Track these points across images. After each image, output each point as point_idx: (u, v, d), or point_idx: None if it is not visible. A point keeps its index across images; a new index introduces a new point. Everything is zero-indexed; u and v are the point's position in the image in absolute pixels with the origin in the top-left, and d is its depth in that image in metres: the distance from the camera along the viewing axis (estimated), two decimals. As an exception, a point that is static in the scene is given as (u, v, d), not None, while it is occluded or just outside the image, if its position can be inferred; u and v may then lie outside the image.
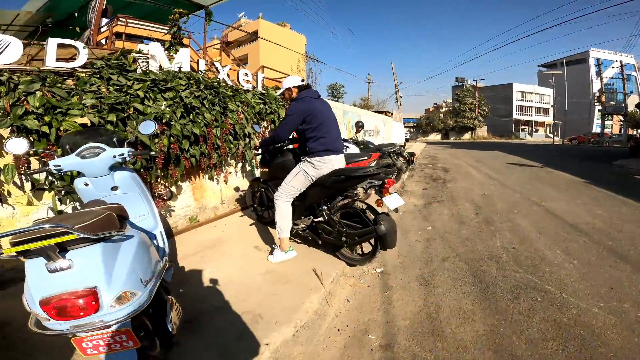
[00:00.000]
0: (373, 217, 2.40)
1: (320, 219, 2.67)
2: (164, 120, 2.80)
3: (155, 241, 2.34)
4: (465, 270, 2.74)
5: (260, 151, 3.31)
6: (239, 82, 4.24)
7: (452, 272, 2.72)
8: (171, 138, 2.94)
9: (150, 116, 2.70)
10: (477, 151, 17.65)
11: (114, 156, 1.87)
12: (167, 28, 4.97)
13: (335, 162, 2.57)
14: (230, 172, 4.17)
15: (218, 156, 3.60)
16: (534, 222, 4.09)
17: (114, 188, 2.02)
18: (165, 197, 3.25)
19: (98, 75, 2.61)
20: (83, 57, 2.71)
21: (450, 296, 2.37)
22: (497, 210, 4.72)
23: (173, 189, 3.40)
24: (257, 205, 3.68)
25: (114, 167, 1.98)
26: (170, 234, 3.37)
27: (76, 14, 6.51)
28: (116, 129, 2.48)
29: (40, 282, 1.12)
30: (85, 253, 1.18)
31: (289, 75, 3.31)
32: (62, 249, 1.13)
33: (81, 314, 1.13)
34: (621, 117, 32.43)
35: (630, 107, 26.62)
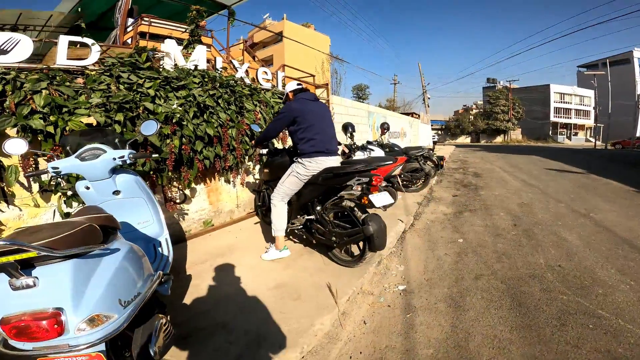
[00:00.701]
0: (362, 217, 2.31)
1: (313, 217, 2.65)
2: (174, 120, 2.68)
3: (160, 248, 2.21)
4: (502, 290, 2.40)
5: (263, 151, 3.30)
6: (258, 81, 4.09)
7: (487, 292, 2.39)
8: (183, 139, 2.81)
9: (161, 116, 2.58)
10: (511, 155, 16.65)
11: (114, 158, 1.74)
12: (187, 31, 4.95)
13: (328, 163, 2.55)
14: (247, 175, 4.03)
15: (234, 158, 3.46)
16: (582, 236, 3.61)
17: (116, 192, 1.90)
18: (178, 200, 3.14)
19: (108, 73, 2.52)
20: (95, 54, 2.65)
21: (483, 321, 2.05)
22: (538, 222, 4.23)
23: (187, 191, 3.29)
24: (261, 204, 3.63)
25: (115, 170, 1.86)
26: (182, 238, 3.26)
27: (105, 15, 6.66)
28: (124, 129, 2.38)
29: (3, 300, 0.99)
30: (52, 271, 1.02)
31: (310, 74, 3.13)
32: (29, 265, 1.00)
33: (44, 335, 1.00)
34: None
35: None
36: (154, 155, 1.97)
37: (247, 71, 3.91)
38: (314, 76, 5.99)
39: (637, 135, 34.07)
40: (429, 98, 24.62)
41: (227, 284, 2.41)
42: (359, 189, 2.37)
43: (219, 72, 3.46)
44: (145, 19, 5.63)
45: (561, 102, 45.78)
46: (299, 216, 2.81)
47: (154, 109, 2.57)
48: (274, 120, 2.67)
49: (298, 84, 2.82)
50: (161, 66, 3.01)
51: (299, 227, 2.82)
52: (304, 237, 2.86)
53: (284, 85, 4.59)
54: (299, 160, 2.58)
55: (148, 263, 1.53)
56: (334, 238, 2.49)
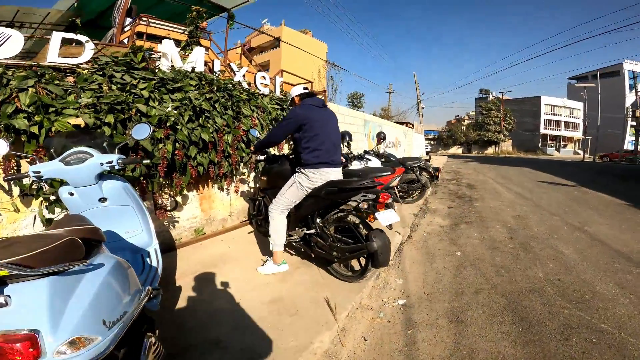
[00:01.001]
0: (366, 232, 2.25)
1: (313, 231, 2.55)
2: (168, 124, 2.57)
3: (148, 259, 2.09)
4: (504, 305, 2.37)
5: (260, 157, 3.16)
6: (256, 86, 4.01)
7: (488, 307, 2.35)
8: (176, 143, 2.70)
9: (154, 119, 2.48)
10: (503, 167, 16.81)
11: (101, 163, 1.63)
12: (187, 33, 4.86)
13: (331, 175, 2.46)
14: (242, 183, 3.91)
15: (229, 165, 3.35)
16: (579, 249, 3.64)
17: (103, 199, 1.78)
18: (169, 207, 3.01)
19: (101, 73, 2.41)
20: (88, 52, 2.54)
21: (486, 337, 2.01)
22: (534, 235, 4.23)
23: (179, 198, 3.16)
24: (256, 213, 3.51)
25: (102, 176, 1.74)
26: (172, 246, 3.12)
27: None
28: (114, 132, 2.26)
29: None
30: (26, 289, 0.91)
31: (308, 80, 3.06)
32: (1, 282, 0.89)
33: (18, 358, 0.88)
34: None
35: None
36: (145, 161, 1.85)
37: (244, 75, 3.83)
38: (311, 82, 5.94)
39: (625, 148, 34.92)
40: (423, 108, 24.89)
41: (220, 298, 2.29)
42: (365, 206, 2.28)
43: (216, 75, 3.37)
44: (143, 19, 5.52)
45: (551, 114, 46.59)
46: (297, 228, 2.70)
47: (147, 112, 2.46)
48: (279, 126, 2.54)
49: (305, 88, 2.71)
50: (157, 67, 2.91)
51: (297, 240, 2.72)
52: (302, 250, 2.75)
53: (282, 91, 4.52)
54: (302, 170, 2.45)
55: (136, 278, 1.42)
56: (335, 253, 2.40)
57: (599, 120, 31.55)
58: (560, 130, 47.34)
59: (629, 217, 5.36)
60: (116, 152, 1.75)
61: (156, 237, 2.10)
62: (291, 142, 3.05)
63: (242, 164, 3.64)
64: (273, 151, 4.01)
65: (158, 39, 5.93)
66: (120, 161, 1.66)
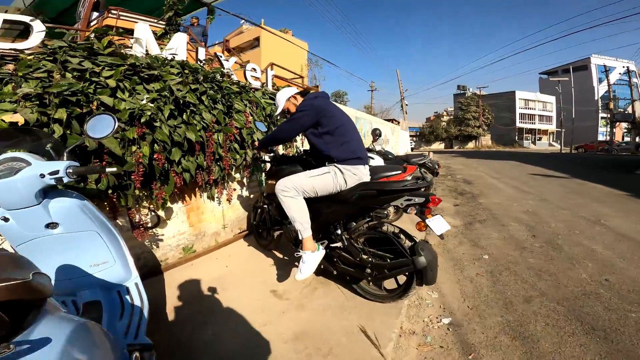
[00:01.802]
0: (409, 244, 1.93)
1: (339, 244, 2.12)
2: (142, 120, 2.02)
3: (128, 297, 1.57)
4: (563, 313, 2.10)
5: (266, 157, 2.74)
6: (246, 79, 3.49)
7: (548, 317, 2.06)
8: (155, 145, 2.16)
9: (124, 114, 1.93)
10: (490, 160, 16.88)
11: (42, 175, 1.10)
12: (164, 22, 4.28)
13: (364, 175, 2.10)
14: (234, 189, 3.38)
15: (220, 169, 2.82)
16: (607, 245, 3.41)
17: (52, 225, 1.24)
18: (149, 225, 2.46)
19: (51, 58, 1.84)
20: (36, 36, 1.98)
21: (564, 353, 1.72)
22: (555, 232, 3.96)
23: (161, 212, 2.61)
24: (258, 223, 3.06)
25: (48, 192, 1.21)
26: (157, 269, 2.58)
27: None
28: (68, 132, 1.70)
29: None
30: None
31: (299, 75, 2.62)
32: None
33: None
34: (625, 125, 31.79)
35: (638, 114, 25.93)
36: (109, 169, 1.31)
37: (232, 68, 3.30)
38: (302, 77, 5.46)
39: (599, 139, 36.35)
40: (406, 104, 24.84)
41: (228, 338, 1.77)
42: (414, 211, 1.88)
43: (202, 64, 2.82)
44: (113, 11, 4.87)
45: (526, 108, 48.04)
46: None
47: (115, 105, 1.91)
48: (292, 120, 2.13)
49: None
50: (128, 53, 2.35)
51: None
52: (322, 267, 2.27)
53: (274, 85, 4.02)
54: (338, 165, 2.04)
55: (110, 341, 0.91)
56: (369, 270, 2.00)
57: (573, 113, 32.66)
58: (534, 123, 48.89)
59: (634, 208, 5.28)
60: (65, 157, 1.22)
61: (135, 267, 1.57)
62: (302, 140, 2.58)
63: (234, 168, 3.11)
64: (281, 150, 3.49)
65: (131, 33, 5.33)
66: (71, 170, 1.13)
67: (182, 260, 2.83)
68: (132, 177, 2.04)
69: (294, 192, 2.05)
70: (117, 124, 1.32)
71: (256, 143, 3.14)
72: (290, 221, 2.08)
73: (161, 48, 2.70)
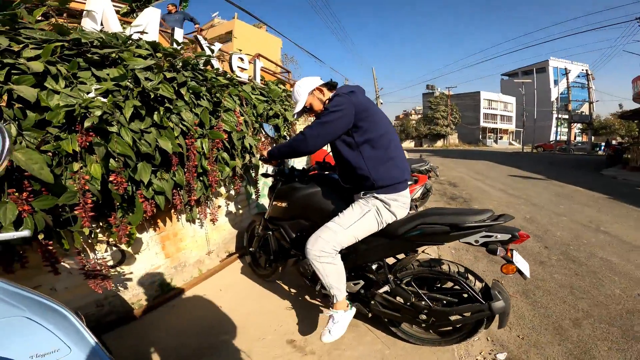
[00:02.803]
0: (479, 285, 1.63)
1: (386, 288, 1.73)
2: (89, 123, 1.31)
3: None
4: (620, 335, 1.99)
5: (270, 171, 2.18)
6: (232, 70, 2.80)
7: (606, 340, 1.93)
8: (111, 160, 1.46)
9: (57, 114, 1.22)
10: (464, 160, 17.04)
11: None
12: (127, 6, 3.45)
13: (409, 201, 1.68)
14: (219, 206, 2.70)
15: (203, 186, 2.14)
16: (622, 257, 3.33)
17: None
18: (110, 263, 1.77)
19: None
20: None
21: None
22: (563, 242, 3.82)
23: (126, 246, 1.91)
24: (259, 250, 2.46)
25: None
26: (129, 316, 1.96)
27: None
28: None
29: None
30: None
31: (287, 70, 2.15)
32: None
33: None
34: (579, 125, 34.20)
35: (595, 115, 27.89)
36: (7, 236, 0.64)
37: (217, 56, 2.59)
38: (289, 72, 4.81)
39: (552, 139, 38.80)
40: (382, 103, 24.74)
41: None
42: (502, 253, 1.46)
43: (179, 48, 2.07)
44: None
45: (489, 108, 50.26)
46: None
47: (41, 99, 1.20)
48: (320, 123, 1.54)
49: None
50: (75, 28, 1.62)
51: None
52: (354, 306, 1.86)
53: (262, 79, 3.36)
54: (378, 196, 1.57)
55: None
56: (424, 317, 1.66)
57: (535, 114, 34.46)
58: (496, 123, 51.31)
59: (625, 212, 5.37)
60: None
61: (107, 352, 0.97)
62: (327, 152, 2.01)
63: (223, 182, 2.45)
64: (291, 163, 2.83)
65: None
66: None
67: (160, 300, 2.18)
68: (76, 211, 1.34)
69: (333, 255, 1.60)
70: (8, 142, 0.68)
71: (257, 151, 2.47)
72: (323, 284, 1.66)
73: (124, 28, 1.97)
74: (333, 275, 1.62)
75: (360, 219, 1.59)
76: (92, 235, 1.68)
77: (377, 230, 1.63)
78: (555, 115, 38.97)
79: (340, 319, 1.66)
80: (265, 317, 2.05)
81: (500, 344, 1.93)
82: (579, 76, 39.00)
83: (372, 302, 1.78)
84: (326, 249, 1.59)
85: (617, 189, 7.94)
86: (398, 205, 1.59)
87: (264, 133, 2.07)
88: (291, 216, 2.00)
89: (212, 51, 2.44)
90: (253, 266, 2.62)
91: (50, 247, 1.34)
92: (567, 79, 27.69)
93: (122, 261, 1.97)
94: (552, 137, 40.27)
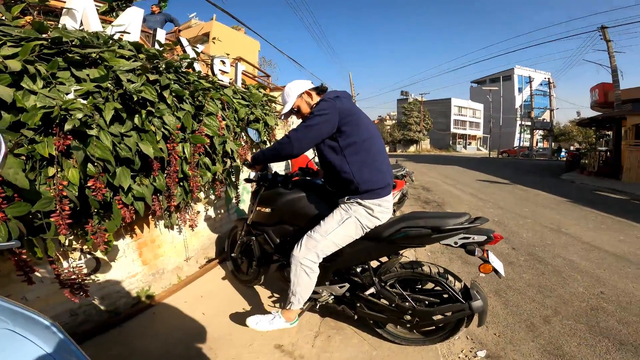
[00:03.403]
0: (458, 285, 1.69)
1: (372, 290, 1.77)
2: (68, 126, 1.25)
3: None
4: (586, 331, 2.14)
5: (253, 176, 2.14)
6: (214, 73, 2.75)
7: (575, 336, 2.08)
8: (90, 165, 1.40)
9: (34, 115, 1.16)
10: (436, 165, 17.66)
11: None
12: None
13: (391, 205, 1.71)
14: (198, 212, 2.64)
15: (184, 192, 2.09)
16: (583, 256, 3.60)
17: None
18: (85, 270, 1.68)
19: None
20: None
21: None
22: (530, 243, 4.09)
23: (101, 253, 1.82)
24: (241, 255, 2.45)
25: None
26: (105, 324, 1.88)
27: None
28: None
29: None
30: None
31: (267, 74, 2.25)
32: None
33: None
34: (541, 132, 36.41)
35: (555, 122, 29.75)
36: None
37: (197, 58, 2.54)
38: (269, 76, 4.80)
39: (515, 145, 41.04)
40: (358, 109, 25.09)
41: None
42: (480, 253, 1.56)
43: (162, 49, 2.01)
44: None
45: (459, 114, 52.38)
46: (327, 283, 1.86)
47: (18, 99, 1.13)
48: (306, 126, 1.56)
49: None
50: (54, 26, 1.55)
51: (327, 301, 1.90)
52: (339, 308, 1.92)
53: (243, 83, 3.33)
54: (361, 201, 1.60)
55: None
56: (409, 317, 1.72)
57: (501, 120, 36.31)
58: (466, 129, 53.55)
59: (583, 215, 5.84)
60: None
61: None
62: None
63: (203, 187, 2.40)
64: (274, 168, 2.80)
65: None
66: None
67: (140, 307, 2.10)
68: (52, 218, 1.27)
69: (315, 256, 1.64)
70: (4, 148, 0.65)
71: (238, 156, 2.43)
72: (290, 288, 1.70)
73: (104, 27, 1.90)
74: (303, 285, 1.66)
75: (340, 227, 1.62)
76: (67, 243, 1.59)
77: (359, 236, 1.66)
78: (519, 122, 41.28)
79: (276, 324, 1.74)
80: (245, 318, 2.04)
81: (480, 342, 2.02)
82: (541, 84, 41.40)
83: (358, 304, 1.81)
84: (309, 256, 1.63)
85: (575, 192, 8.63)
86: (381, 210, 1.62)
87: (246, 137, 2.06)
88: (275, 221, 2.01)
89: (198, 54, 2.39)
90: (235, 272, 2.58)
91: (25, 256, 1.26)
92: (531, 87, 29.45)
93: (97, 269, 1.88)
94: (516, 143, 42.62)
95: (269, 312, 1.81)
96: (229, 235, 2.57)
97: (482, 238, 1.53)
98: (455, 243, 1.56)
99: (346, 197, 1.64)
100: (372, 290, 1.76)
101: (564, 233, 4.54)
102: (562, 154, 26.91)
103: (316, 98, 1.72)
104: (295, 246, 1.68)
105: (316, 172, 2.37)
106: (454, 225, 1.53)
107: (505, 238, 4.27)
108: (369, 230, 1.65)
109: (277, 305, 2.25)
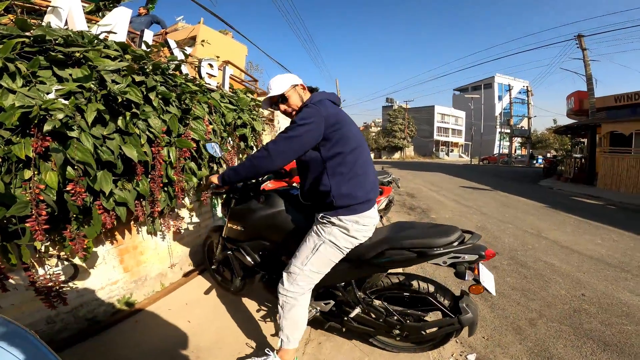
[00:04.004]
0: (448, 302, 1.62)
1: (359, 310, 1.70)
2: (48, 127, 1.19)
3: None
4: (571, 332, 2.20)
5: (221, 188, 1.89)
6: (201, 77, 2.71)
7: (561, 338, 2.13)
8: (69, 169, 1.34)
9: (11, 114, 1.10)
10: (421, 172, 17.89)
11: None
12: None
13: (375, 218, 1.56)
14: (183, 217, 2.57)
15: (168, 197, 2.04)
16: (563, 260, 3.71)
17: None
18: (62, 277, 1.60)
19: None
20: None
21: None
22: (512, 247, 4.19)
23: (79, 260, 1.74)
24: (219, 267, 2.37)
25: None
26: (84, 333, 1.81)
27: None
28: None
29: None
30: None
31: (254, 79, 2.27)
32: None
33: None
34: (519, 139, 37.67)
35: (535, 129, 30.82)
36: None
37: (185, 60, 2.49)
38: (257, 80, 4.78)
39: (495, 152, 42.30)
40: (344, 115, 25.24)
41: None
42: (471, 277, 1.44)
43: (149, 50, 1.96)
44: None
45: (442, 122, 53.50)
46: (311, 301, 1.72)
47: (-5, 101, 1.08)
48: (285, 138, 1.39)
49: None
50: (36, 25, 1.49)
51: (316, 316, 1.82)
52: (327, 320, 1.84)
53: (231, 87, 3.30)
54: (339, 220, 1.45)
55: None
56: (397, 331, 1.68)
57: (482, 128, 37.35)
58: (448, 136, 54.75)
59: (561, 219, 6.07)
60: None
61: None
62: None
63: (188, 193, 2.34)
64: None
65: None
66: None
67: (121, 315, 2.02)
68: (27, 223, 1.20)
69: (301, 290, 1.53)
70: None
71: (225, 162, 2.29)
72: (279, 322, 1.58)
73: (90, 26, 1.84)
74: (290, 320, 1.54)
75: (314, 255, 1.49)
76: (43, 250, 1.51)
77: (341, 258, 1.53)
78: (498, 130, 42.52)
79: None
80: (238, 331, 1.98)
81: (469, 345, 2.05)
82: (520, 92, 42.86)
83: (345, 318, 1.75)
84: (292, 289, 1.52)
85: (553, 198, 8.95)
86: (358, 228, 1.46)
87: (233, 143, 1.98)
88: (250, 237, 1.89)
89: (186, 56, 2.35)
90: (219, 282, 2.49)
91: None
92: (510, 95, 30.45)
93: (75, 276, 1.80)
94: (496, 150, 43.94)
95: (266, 354, 1.62)
96: (204, 246, 2.47)
97: (474, 257, 1.43)
98: (444, 262, 1.46)
99: (320, 215, 1.50)
100: (357, 310, 1.69)
101: (544, 238, 4.68)
102: (539, 160, 27.91)
103: (308, 95, 1.59)
104: (280, 280, 1.58)
105: (289, 172, 2.26)
106: (441, 247, 1.43)
107: (489, 243, 4.36)
108: (349, 250, 1.52)
109: (266, 317, 2.17)
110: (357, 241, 1.50)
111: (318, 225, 1.50)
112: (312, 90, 1.63)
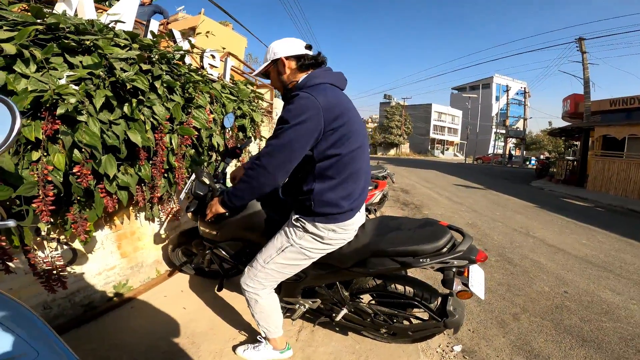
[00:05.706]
0: (434, 302, 1.58)
1: (345, 310, 1.70)
2: (59, 111, 1.23)
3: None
4: (552, 328, 2.31)
5: (183, 194, 1.81)
6: (203, 67, 2.74)
7: (542, 332, 2.24)
8: (76, 151, 1.39)
9: (24, 98, 1.14)
10: (416, 169, 18.03)
11: None
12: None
13: (357, 224, 1.43)
14: (178, 205, 2.62)
15: (168, 183, 2.08)
16: (549, 258, 3.85)
17: None
18: (62, 262, 1.65)
19: None
20: None
21: None
22: (501, 245, 4.33)
23: (78, 244, 1.78)
24: (208, 266, 2.31)
25: None
26: (79, 319, 1.85)
27: None
28: None
29: None
30: None
31: (253, 69, 2.20)
32: None
33: None
34: (514, 140, 38.02)
35: (530, 131, 31.11)
36: None
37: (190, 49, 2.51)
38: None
39: (489, 152, 42.68)
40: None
41: None
42: (459, 287, 1.39)
43: (155, 40, 1.98)
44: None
45: (439, 120, 53.65)
46: (299, 297, 1.74)
47: (9, 82, 1.12)
48: (278, 146, 1.20)
49: (309, 47, 1.36)
50: (51, 12, 1.52)
51: (304, 312, 1.80)
52: (318, 314, 1.85)
53: (232, 78, 3.33)
54: (311, 226, 1.32)
55: None
56: (384, 330, 1.73)
57: (478, 127, 37.54)
58: (444, 135, 54.97)
59: (549, 219, 6.25)
60: None
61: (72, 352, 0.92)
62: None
63: (188, 180, 2.38)
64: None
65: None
66: None
67: (117, 301, 2.07)
68: (34, 204, 1.25)
69: (267, 289, 1.48)
70: (19, 120, 0.65)
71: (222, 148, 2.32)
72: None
73: (99, 15, 1.87)
74: (259, 312, 1.51)
75: (279, 255, 1.39)
76: (45, 232, 1.56)
77: (310, 262, 1.45)
78: (494, 130, 42.78)
79: (264, 353, 1.61)
80: (234, 318, 2.04)
81: (456, 337, 2.14)
82: (517, 93, 43.05)
83: (334, 314, 1.75)
84: (251, 284, 1.46)
85: (543, 198, 9.18)
86: (334, 236, 1.33)
87: (223, 125, 1.95)
88: (226, 239, 1.79)
89: (192, 46, 2.38)
90: (196, 269, 2.50)
91: (4, 244, 1.23)
92: (507, 96, 30.61)
93: (74, 260, 1.84)
94: (490, 150, 44.30)
95: (259, 341, 1.67)
96: (173, 250, 2.40)
97: (463, 263, 1.37)
98: (432, 267, 1.41)
99: (295, 216, 1.35)
100: (344, 311, 1.70)
101: (532, 236, 4.84)
102: (532, 161, 28.23)
103: (299, 76, 1.32)
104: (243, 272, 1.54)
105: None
106: (430, 255, 1.36)
107: (478, 240, 4.50)
108: (320, 256, 1.43)
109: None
110: (331, 248, 1.39)
111: (290, 227, 1.37)
112: (313, 64, 1.34)
